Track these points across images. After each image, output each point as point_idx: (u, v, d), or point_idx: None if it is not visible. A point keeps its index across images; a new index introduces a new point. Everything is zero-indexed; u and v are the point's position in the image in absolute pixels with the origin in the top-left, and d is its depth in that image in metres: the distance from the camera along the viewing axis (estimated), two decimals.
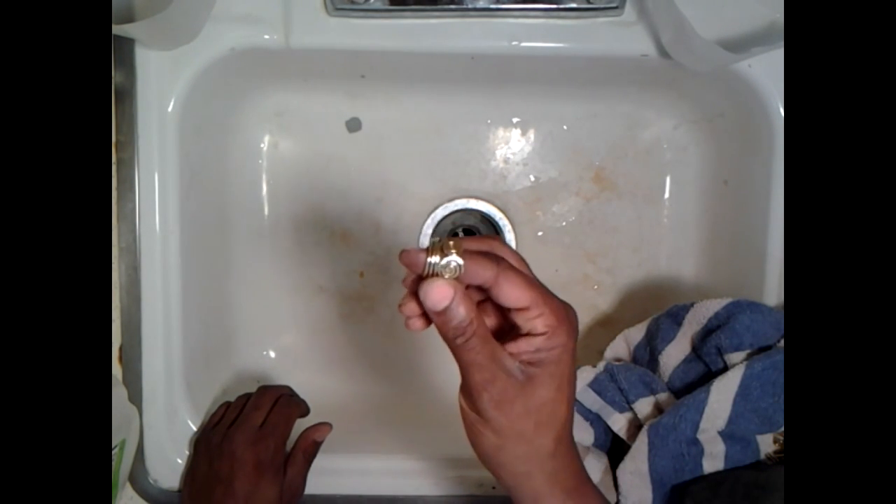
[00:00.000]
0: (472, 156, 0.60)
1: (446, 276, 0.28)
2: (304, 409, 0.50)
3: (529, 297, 0.29)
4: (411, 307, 0.30)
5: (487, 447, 0.31)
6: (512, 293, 0.29)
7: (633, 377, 0.47)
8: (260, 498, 0.44)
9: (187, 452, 0.50)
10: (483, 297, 0.31)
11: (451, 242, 0.28)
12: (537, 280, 0.31)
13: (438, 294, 0.28)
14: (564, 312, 0.30)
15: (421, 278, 0.29)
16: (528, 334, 0.29)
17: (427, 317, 0.30)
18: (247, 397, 0.50)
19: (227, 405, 0.51)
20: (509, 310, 0.30)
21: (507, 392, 0.29)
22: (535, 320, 0.29)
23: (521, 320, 0.29)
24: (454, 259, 0.28)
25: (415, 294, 0.29)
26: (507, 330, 0.31)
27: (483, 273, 0.28)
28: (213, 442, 0.47)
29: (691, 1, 0.44)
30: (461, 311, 0.28)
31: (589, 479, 0.34)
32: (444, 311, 0.28)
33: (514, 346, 0.30)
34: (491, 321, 0.32)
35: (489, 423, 0.30)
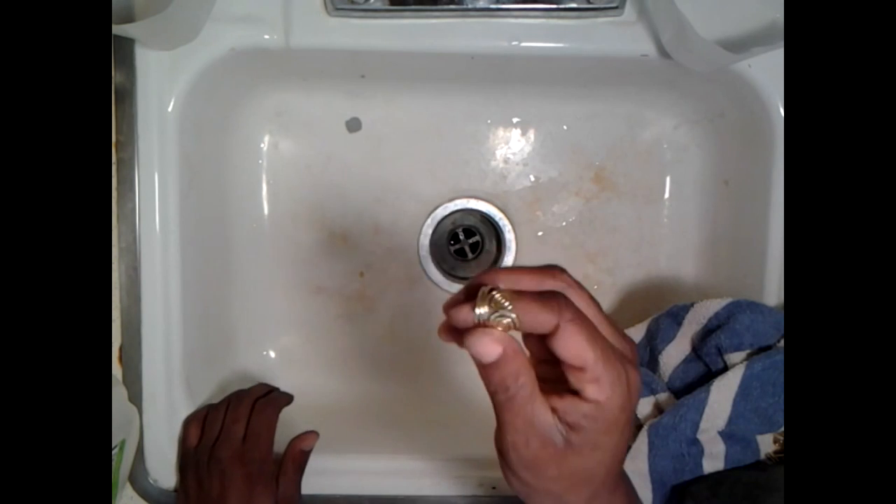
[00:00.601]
0: (472, 156, 0.60)
1: (498, 329, 0.25)
2: (283, 401, 0.50)
3: (589, 358, 0.25)
4: (446, 333, 0.27)
5: (515, 490, 0.30)
6: (569, 350, 0.25)
7: None
8: None
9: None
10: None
11: (500, 295, 0.25)
12: (604, 327, 0.27)
13: (486, 349, 0.25)
14: (625, 381, 0.26)
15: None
16: (577, 395, 0.26)
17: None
18: (223, 408, 0.49)
19: (196, 420, 0.49)
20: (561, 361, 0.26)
21: (540, 458, 0.27)
22: (589, 385, 0.26)
23: (573, 378, 0.26)
24: (507, 315, 0.25)
25: (453, 330, 0.26)
26: (556, 375, 0.27)
27: (540, 326, 0.25)
28: (200, 463, 0.46)
29: (691, 1, 0.44)
30: (510, 368, 0.26)
31: None
32: (490, 366, 0.26)
33: (558, 403, 0.27)
34: (537, 348, 0.29)
35: (516, 476, 0.29)
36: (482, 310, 0.25)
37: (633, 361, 0.28)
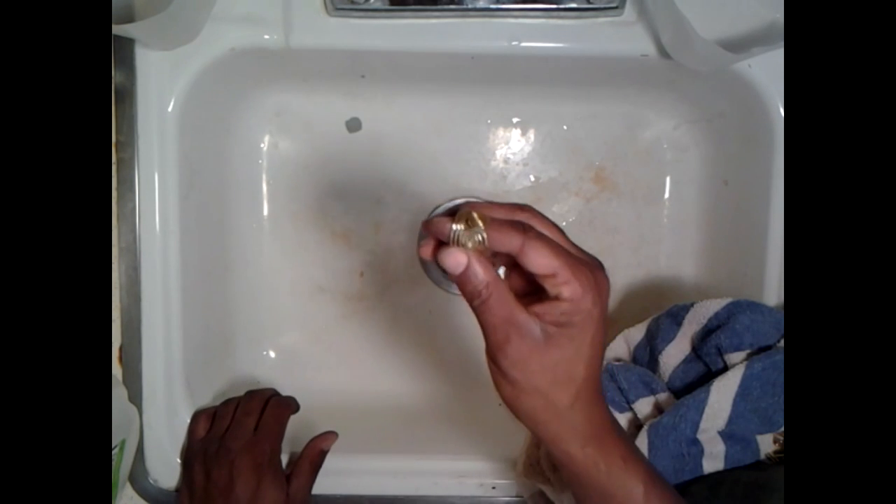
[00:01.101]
0: (472, 156, 0.60)
1: (469, 247, 0.29)
2: (294, 408, 0.50)
3: (555, 265, 0.29)
4: (426, 250, 0.31)
5: (506, 396, 0.33)
6: (536, 261, 0.29)
7: (633, 377, 0.47)
8: (261, 500, 0.44)
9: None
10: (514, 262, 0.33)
11: (477, 215, 0.29)
12: (569, 246, 0.32)
13: (453, 261, 0.29)
14: (593, 279, 0.30)
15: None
16: (555, 298, 0.30)
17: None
18: (234, 404, 0.49)
19: (206, 413, 0.50)
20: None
21: (522, 351, 0.30)
22: (561, 287, 0.30)
23: (548, 285, 0.30)
24: (479, 232, 0.29)
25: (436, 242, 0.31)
26: (536, 290, 0.32)
27: (508, 243, 0.29)
28: (208, 453, 0.46)
29: (691, 1, 0.44)
30: (478, 275, 0.30)
31: (614, 429, 0.35)
32: (461, 276, 0.30)
33: (539, 308, 0.31)
34: (521, 282, 0.33)
35: (506, 376, 0.32)
36: (458, 225, 0.29)
37: (599, 267, 0.32)
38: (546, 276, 0.30)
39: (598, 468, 0.33)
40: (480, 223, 0.29)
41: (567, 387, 0.32)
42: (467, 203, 0.31)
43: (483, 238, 0.29)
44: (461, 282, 0.30)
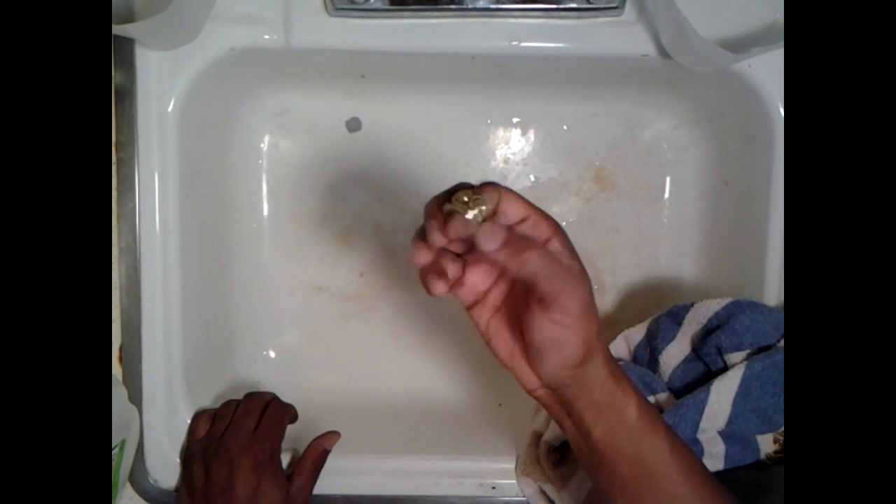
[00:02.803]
0: (472, 156, 0.60)
1: (479, 220, 0.31)
2: (293, 414, 0.50)
3: (528, 208, 0.33)
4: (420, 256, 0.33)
5: (570, 353, 0.33)
6: (513, 208, 0.32)
7: (633, 377, 0.47)
8: (261, 498, 0.44)
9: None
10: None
11: (466, 197, 0.31)
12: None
13: (489, 235, 0.30)
14: (555, 221, 0.34)
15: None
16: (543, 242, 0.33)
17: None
18: (234, 405, 0.49)
19: (207, 413, 0.50)
20: (516, 235, 0.32)
21: (583, 289, 0.32)
22: (540, 224, 0.33)
23: (526, 227, 0.32)
24: (481, 203, 0.31)
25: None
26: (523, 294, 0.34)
27: (490, 198, 0.32)
28: (208, 452, 0.46)
29: (691, 1, 0.44)
30: (511, 210, 0.32)
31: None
32: (503, 245, 0.30)
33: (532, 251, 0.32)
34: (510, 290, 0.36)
35: (568, 316, 0.32)
36: (470, 215, 0.31)
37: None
38: (521, 222, 0.32)
39: (618, 397, 0.35)
40: (478, 196, 0.31)
41: (596, 316, 0.33)
42: (455, 188, 0.33)
43: (487, 208, 0.31)
44: (513, 240, 0.31)
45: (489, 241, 0.30)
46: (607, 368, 0.35)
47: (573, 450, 0.38)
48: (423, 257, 0.33)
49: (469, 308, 0.36)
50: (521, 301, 0.34)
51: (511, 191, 0.33)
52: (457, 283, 0.34)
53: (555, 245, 0.33)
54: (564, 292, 0.31)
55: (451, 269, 0.33)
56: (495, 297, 0.36)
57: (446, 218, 0.31)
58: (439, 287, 0.33)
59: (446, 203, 0.31)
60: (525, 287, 0.33)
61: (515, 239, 0.31)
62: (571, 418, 0.36)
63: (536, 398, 0.37)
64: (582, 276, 0.33)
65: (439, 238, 0.32)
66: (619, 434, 0.35)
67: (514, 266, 0.31)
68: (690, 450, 0.36)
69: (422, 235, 0.33)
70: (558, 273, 0.31)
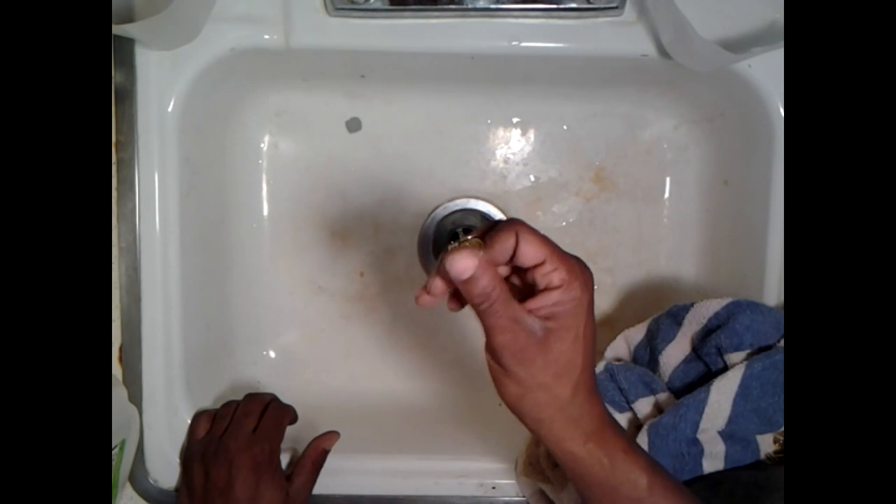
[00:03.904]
0: (472, 156, 0.60)
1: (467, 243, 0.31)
2: (293, 415, 0.50)
3: (544, 252, 0.32)
4: (437, 284, 0.33)
5: (511, 397, 0.34)
6: (529, 252, 0.31)
7: (633, 377, 0.47)
8: (260, 499, 0.44)
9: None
10: (508, 273, 0.35)
11: (469, 236, 0.32)
12: (551, 240, 0.34)
13: (462, 265, 0.30)
14: (578, 268, 0.32)
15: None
16: (545, 289, 0.32)
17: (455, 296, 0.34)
18: (234, 406, 0.49)
19: (207, 414, 0.50)
20: (527, 272, 0.32)
21: (528, 349, 0.32)
22: (551, 275, 0.32)
23: (538, 276, 0.32)
24: (474, 243, 0.31)
25: (443, 276, 0.33)
26: (527, 293, 0.34)
27: (506, 242, 0.31)
28: (207, 452, 0.46)
29: (691, 1, 0.44)
30: (484, 280, 0.31)
31: (612, 424, 0.35)
32: (469, 281, 0.31)
33: (533, 303, 0.32)
34: (513, 290, 0.35)
35: (511, 376, 0.33)
36: (455, 243, 0.31)
37: (581, 261, 0.34)
38: (536, 267, 0.32)
39: (602, 464, 0.34)
40: (474, 238, 0.32)
41: (568, 378, 0.33)
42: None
43: (480, 242, 0.31)
44: (469, 286, 0.31)
45: (451, 268, 0.30)
46: (566, 430, 0.34)
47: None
48: (428, 302, 0.34)
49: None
50: None
51: (534, 231, 0.32)
52: None
53: (554, 296, 0.32)
54: (497, 340, 0.32)
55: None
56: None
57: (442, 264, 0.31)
58: (454, 307, 0.35)
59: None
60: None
61: (479, 284, 0.31)
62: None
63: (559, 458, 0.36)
64: (531, 334, 0.32)
65: (439, 284, 0.33)
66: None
67: (474, 309, 0.32)
68: (671, 482, 0.36)
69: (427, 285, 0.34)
70: (496, 326, 0.32)
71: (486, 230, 0.33)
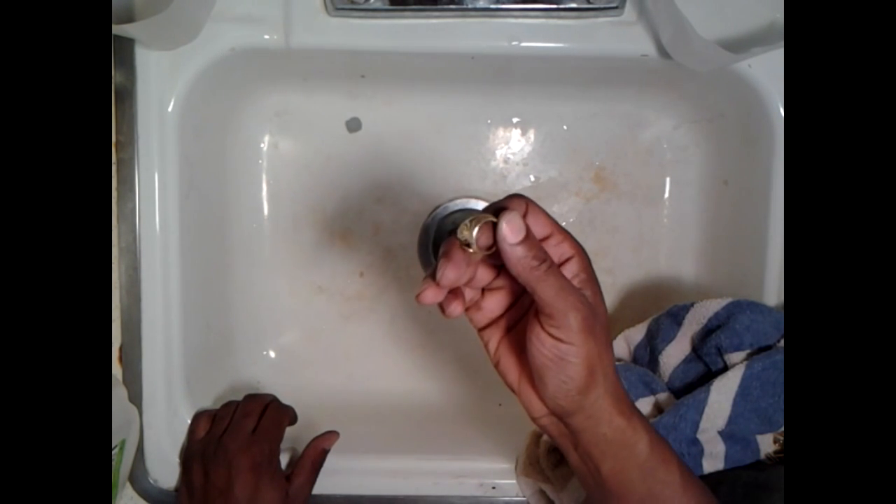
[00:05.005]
0: (472, 156, 0.60)
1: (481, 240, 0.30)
2: (292, 416, 0.50)
3: (553, 225, 0.32)
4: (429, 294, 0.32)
5: (580, 377, 0.31)
6: (539, 222, 0.31)
7: (633, 377, 0.47)
8: (260, 499, 0.44)
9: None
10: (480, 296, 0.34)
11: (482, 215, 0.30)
12: None
13: (517, 223, 0.29)
14: (576, 243, 0.33)
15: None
16: (566, 261, 0.32)
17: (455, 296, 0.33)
18: (234, 406, 0.49)
19: (207, 414, 0.50)
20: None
21: (589, 318, 0.31)
22: (563, 244, 0.32)
23: (550, 248, 0.32)
24: (485, 219, 0.30)
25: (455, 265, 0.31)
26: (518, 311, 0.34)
27: (522, 211, 0.30)
28: (207, 453, 0.46)
29: (691, 1, 0.44)
30: (536, 241, 0.30)
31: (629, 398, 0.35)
32: (525, 241, 0.29)
33: (567, 271, 0.32)
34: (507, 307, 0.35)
35: (576, 350, 0.31)
36: (468, 232, 0.30)
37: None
38: (545, 240, 0.31)
39: (644, 441, 0.33)
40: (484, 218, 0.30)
41: (608, 348, 0.32)
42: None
43: (492, 219, 0.30)
44: (526, 246, 0.29)
45: (512, 234, 0.29)
46: (614, 402, 0.33)
47: (581, 484, 0.36)
48: (431, 296, 0.32)
49: (481, 330, 0.36)
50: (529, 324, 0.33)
51: (538, 206, 0.32)
52: (474, 307, 0.34)
53: (573, 266, 0.32)
54: (564, 304, 0.30)
55: (470, 292, 0.33)
56: (507, 321, 0.35)
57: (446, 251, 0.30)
58: (456, 309, 0.32)
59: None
60: (535, 311, 0.32)
61: (535, 245, 0.30)
62: (578, 451, 0.34)
63: (542, 427, 0.35)
64: (587, 299, 0.31)
65: (452, 270, 0.30)
66: (630, 471, 0.34)
67: (525, 276, 0.30)
68: (703, 484, 0.36)
69: (432, 275, 0.31)
70: (563, 287, 0.30)
71: (494, 212, 0.31)
